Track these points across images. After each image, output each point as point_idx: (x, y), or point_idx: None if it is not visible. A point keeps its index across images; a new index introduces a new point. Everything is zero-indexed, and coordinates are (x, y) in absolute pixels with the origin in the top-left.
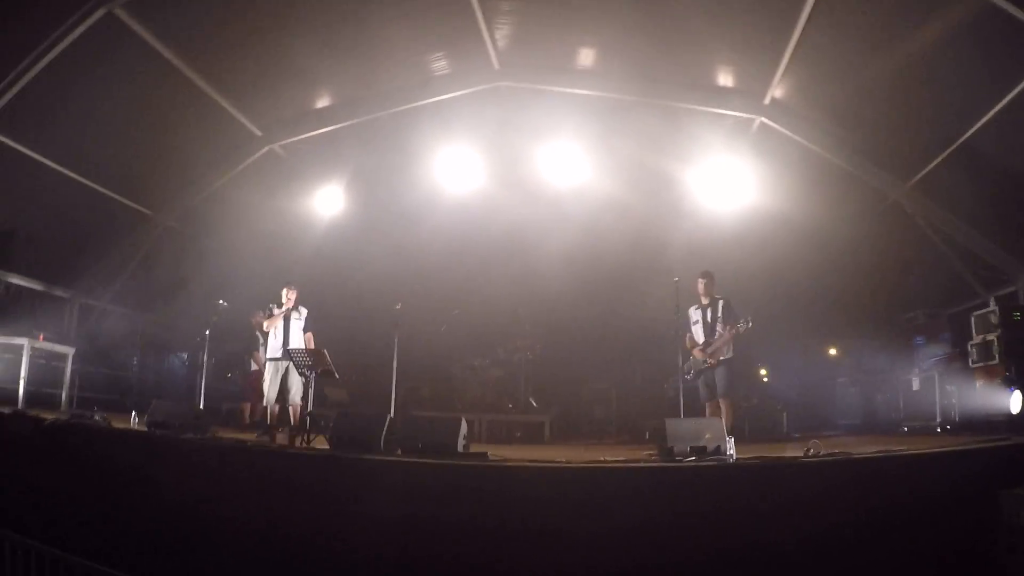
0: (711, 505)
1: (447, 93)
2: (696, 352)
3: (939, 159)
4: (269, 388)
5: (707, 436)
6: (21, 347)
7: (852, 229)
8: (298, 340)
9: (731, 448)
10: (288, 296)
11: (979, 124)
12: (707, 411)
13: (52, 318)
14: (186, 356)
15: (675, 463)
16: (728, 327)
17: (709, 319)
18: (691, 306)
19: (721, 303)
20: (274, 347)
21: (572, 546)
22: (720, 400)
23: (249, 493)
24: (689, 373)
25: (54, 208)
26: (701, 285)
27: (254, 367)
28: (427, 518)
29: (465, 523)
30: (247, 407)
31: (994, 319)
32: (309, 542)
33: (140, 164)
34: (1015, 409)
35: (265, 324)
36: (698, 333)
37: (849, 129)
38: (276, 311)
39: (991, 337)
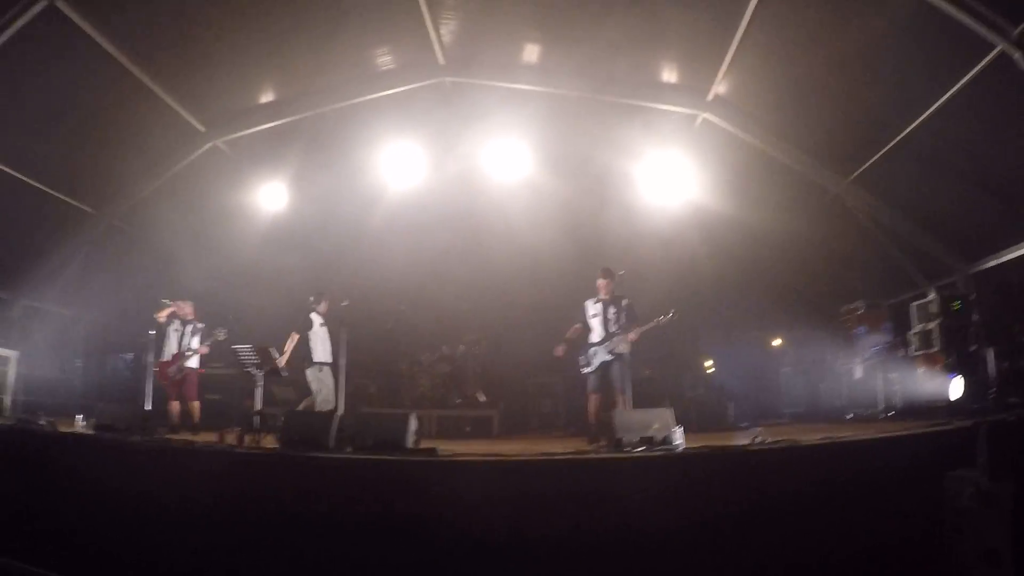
0: (661, 494)
1: (392, 88)
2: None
3: (879, 154)
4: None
5: (655, 426)
6: None
7: (794, 223)
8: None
9: (679, 438)
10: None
11: (918, 121)
12: (591, 402)
13: None
14: (131, 357)
15: (624, 454)
16: (636, 325)
17: (611, 315)
18: (589, 300)
19: (625, 302)
20: (327, 352)
21: (522, 540)
22: (619, 395)
23: (199, 494)
24: (587, 365)
25: None
26: (603, 284)
27: (194, 363)
28: (379, 515)
29: (416, 520)
30: (175, 407)
31: (934, 308)
32: (260, 542)
33: (82, 161)
34: (955, 395)
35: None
36: (596, 327)
37: (790, 125)
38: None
39: (931, 326)
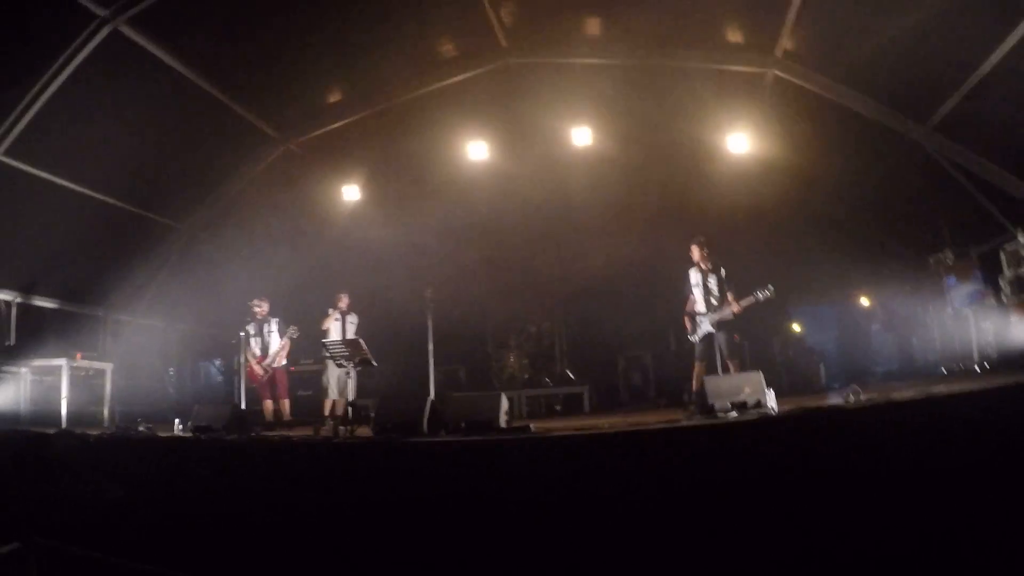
0: (757, 458)
1: (457, 75)
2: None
3: (957, 95)
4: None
5: (747, 391)
6: (60, 368)
7: (875, 175)
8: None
9: (772, 401)
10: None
11: (996, 56)
12: (697, 369)
13: (87, 336)
14: (220, 361)
15: (717, 420)
16: (732, 295)
17: (711, 285)
18: (691, 268)
19: (723, 272)
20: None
21: (619, 512)
22: (728, 361)
23: (300, 487)
24: (695, 334)
25: (79, 228)
26: (698, 251)
27: (281, 361)
28: (476, 496)
29: (514, 498)
30: (268, 405)
31: None
32: (363, 530)
33: (159, 176)
34: None
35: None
36: (700, 297)
37: (863, 74)
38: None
39: (1023, 271)
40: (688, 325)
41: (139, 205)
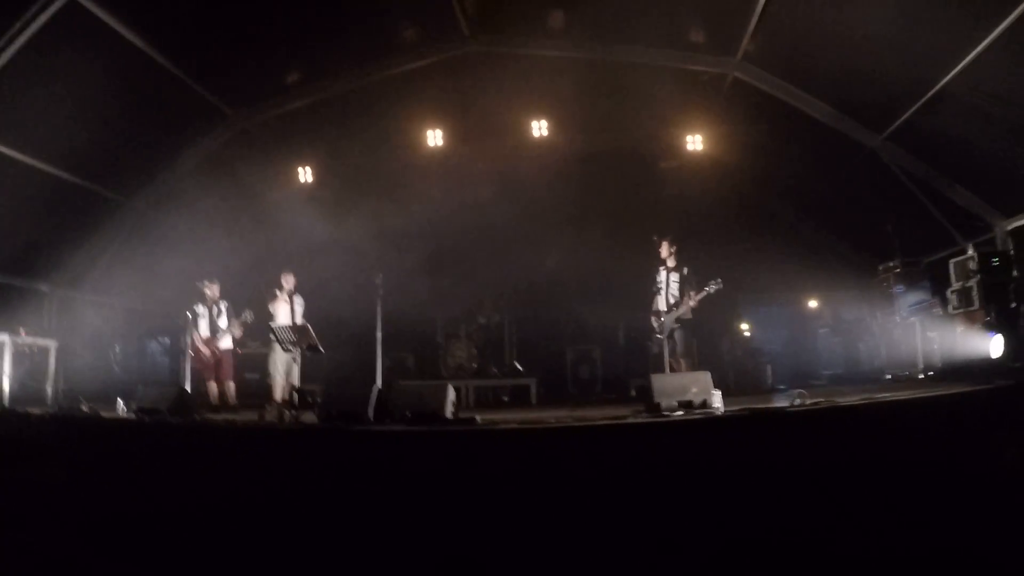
0: (700, 457)
1: (417, 62)
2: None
3: (914, 108)
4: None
5: (693, 390)
6: (2, 343)
7: (829, 180)
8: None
9: (718, 401)
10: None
11: (955, 71)
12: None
13: (32, 312)
14: (167, 340)
15: (663, 418)
16: (694, 293)
17: (673, 283)
18: (658, 268)
19: (685, 271)
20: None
21: (563, 506)
22: (681, 359)
23: (241, 472)
24: (662, 332)
25: (24, 200)
26: (666, 247)
27: (228, 344)
28: (421, 486)
29: (458, 490)
30: (213, 387)
31: (972, 265)
32: (303, 519)
33: (110, 150)
34: (996, 353)
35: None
36: (662, 296)
37: (823, 81)
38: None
39: (970, 283)
40: (655, 325)
41: (88, 179)
